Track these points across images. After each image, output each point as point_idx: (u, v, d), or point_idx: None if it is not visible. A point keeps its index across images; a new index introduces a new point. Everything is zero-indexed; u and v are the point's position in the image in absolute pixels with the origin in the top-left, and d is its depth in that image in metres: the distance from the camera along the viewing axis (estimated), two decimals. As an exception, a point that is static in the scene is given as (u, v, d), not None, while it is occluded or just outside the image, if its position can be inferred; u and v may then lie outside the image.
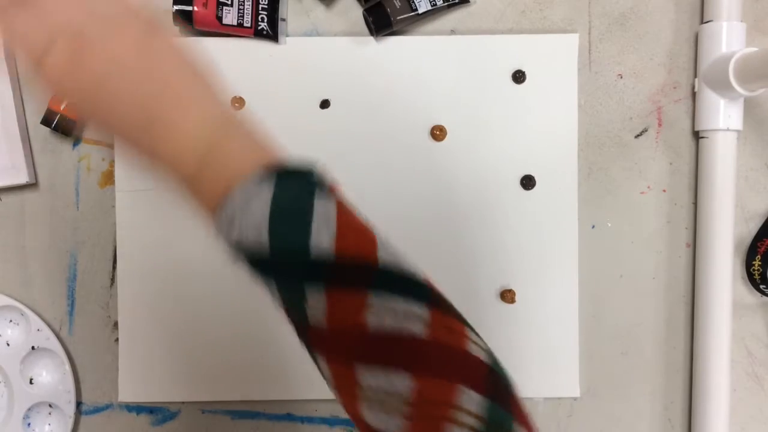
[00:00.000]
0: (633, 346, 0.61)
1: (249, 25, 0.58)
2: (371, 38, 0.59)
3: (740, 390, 0.61)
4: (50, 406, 0.61)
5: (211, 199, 0.34)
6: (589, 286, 0.60)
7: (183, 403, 0.61)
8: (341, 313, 0.33)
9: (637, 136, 0.61)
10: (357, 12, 0.60)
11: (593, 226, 0.61)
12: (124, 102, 0.34)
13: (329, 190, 0.34)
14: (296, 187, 0.33)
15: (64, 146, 0.61)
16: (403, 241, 0.59)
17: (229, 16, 0.58)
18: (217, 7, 0.57)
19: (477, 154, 0.59)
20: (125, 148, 0.36)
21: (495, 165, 0.59)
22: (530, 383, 0.60)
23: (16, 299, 0.60)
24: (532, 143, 0.59)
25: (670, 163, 0.61)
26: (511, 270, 0.59)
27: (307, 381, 0.60)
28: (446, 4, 0.59)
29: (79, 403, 0.61)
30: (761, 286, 0.59)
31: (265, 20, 0.58)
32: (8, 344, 0.60)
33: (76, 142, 0.61)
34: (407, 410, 0.31)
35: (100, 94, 0.34)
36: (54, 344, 0.60)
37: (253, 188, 0.32)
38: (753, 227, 0.61)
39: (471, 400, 0.31)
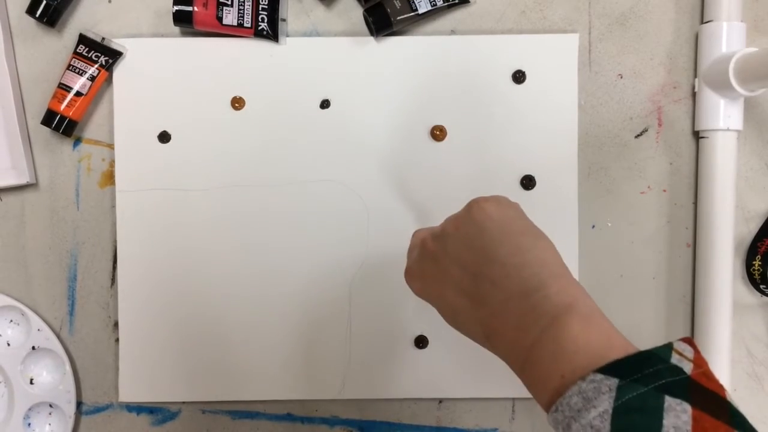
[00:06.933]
0: (633, 346, 0.61)
1: (249, 25, 0.58)
2: (371, 38, 0.59)
3: (740, 390, 0.61)
4: (50, 406, 0.61)
5: (543, 386, 0.32)
6: (589, 286, 0.60)
7: (183, 403, 0.61)
8: None
9: (637, 136, 0.61)
10: (357, 12, 0.60)
11: (593, 226, 0.61)
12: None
13: (687, 387, 0.29)
14: (642, 396, 0.28)
15: (64, 146, 0.61)
16: (403, 242, 0.60)
17: (229, 17, 0.58)
18: (217, 8, 0.57)
19: (477, 154, 0.59)
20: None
21: (495, 165, 0.59)
22: (530, 383, 0.60)
23: (16, 299, 0.60)
24: (532, 143, 0.59)
25: (670, 163, 0.61)
26: (511, 270, 0.59)
27: (307, 381, 0.60)
28: (446, 4, 0.59)
29: (79, 403, 0.61)
30: (761, 286, 0.59)
31: (265, 20, 0.58)
32: (8, 344, 0.61)
33: (76, 142, 0.61)
34: None
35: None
36: (54, 344, 0.60)
37: (591, 393, 0.29)
38: (753, 227, 0.61)
39: None
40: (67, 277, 0.61)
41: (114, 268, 0.61)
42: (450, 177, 0.59)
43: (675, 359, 0.30)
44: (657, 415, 0.28)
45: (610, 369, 0.30)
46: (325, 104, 0.60)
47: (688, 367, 0.30)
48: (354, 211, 0.60)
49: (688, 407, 0.28)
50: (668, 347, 0.31)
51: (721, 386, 0.30)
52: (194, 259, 0.60)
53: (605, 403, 0.29)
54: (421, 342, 0.59)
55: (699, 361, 0.30)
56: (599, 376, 0.30)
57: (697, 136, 0.60)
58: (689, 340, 0.32)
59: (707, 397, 0.29)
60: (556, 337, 0.32)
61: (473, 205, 0.40)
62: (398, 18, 0.58)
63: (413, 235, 0.47)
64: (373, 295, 0.60)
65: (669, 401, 0.28)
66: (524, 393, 0.64)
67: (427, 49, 0.59)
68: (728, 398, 0.29)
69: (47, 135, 0.61)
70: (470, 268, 0.38)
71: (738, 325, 0.60)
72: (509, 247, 0.37)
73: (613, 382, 0.29)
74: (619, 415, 0.28)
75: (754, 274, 0.59)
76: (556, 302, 0.34)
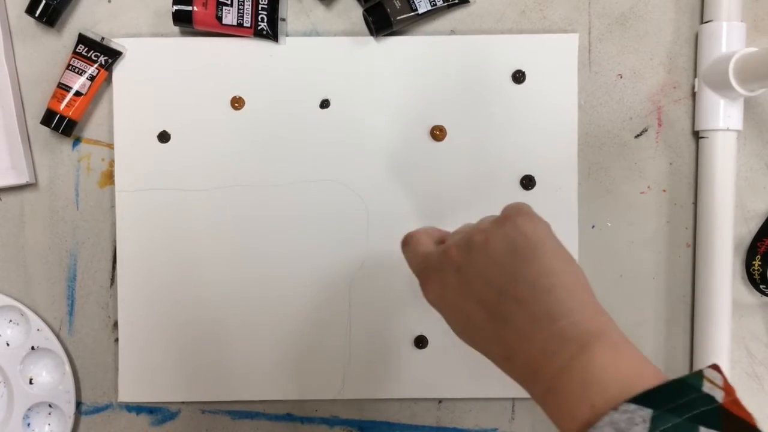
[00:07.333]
0: (633, 346, 0.61)
1: (249, 25, 0.58)
2: (371, 38, 0.59)
3: (740, 390, 0.60)
4: (50, 406, 0.61)
5: (571, 416, 0.31)
6: (589, 286, 0.60)
7: (183, 403, 0.61)
8: None
9: (637, 136, 0.61)
10: (357, 12, 0.60)
11: (593, 226, 0.61)
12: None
13: (719, 416, 0.29)
14: (676, 428, 0.28)
15: (64, 146, 0.61)
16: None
17: (229, 16, 0.58)
18: (217, 7, 0.57)
19: (477, 154, 0.59)
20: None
21: (495, 165, 0.59)
22: (530, 383, 0.60)
23: (16, 299, 0.60)
24: (532, 143, 0.59)
25: (670, 163, 0.61)
26: (511, 270, 0.59)
27: (307, 381, 0.60)
28: (446, 4, 0.59)
29: (79, 403, 0.61)
30: (761, 286, 0.59)
31: (265, 20, 0.58)
32: (8, 344, 0.60)
33: (76, 142, 0.61)
34: None
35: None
36: (54, 344, 0.60)
37: (624, 424, 0.29)
38: (753, 227, 0.61)
39: None
40: (66, 277, 0.61)
41: (113, 268, 0.61)
42: (450, 177, 0.59)
43: (707, 387, 0.30)
44: None
45: (643, 399, 0.29)
46: (325, 104, 0.60)
47: (719, 395, 0.30)
48: (354, 211, 0.59)
49: None
50: (699, 375, 0.30)
51: (749, 414, 0.30)
52: (194, 259, 0.60)
53: None
54: (421, 342, 0.59)
55: (728, 389, 0.30)
56: (632, 407, 0.29)
57: (697, 136, 0.60)
58: (717, 367, 0.31)
59: (739, 426, 0.29)
60: (585, 365, 0.32)
61: (506, 220, 0.39)
62: (398, 18, 0.57)
63: (410, 241, 0.45)
64: (373, 295, 0.60)
65: None
66: (524, 393, 0.64)
67: (427, 49, 0.59)
68: (758, 426, 0.29)
69: (47, 135, 0.61)
70: (496, 284, 0.36)
71: (738, 325, 0.60)
72: (540, 268, 0.36)
73: (647, 412, 0.29)
74: None
75: (754, 274, 0.60)
76: (585, 329, 0.33)
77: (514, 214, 0.39)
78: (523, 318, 0.35)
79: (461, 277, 0.38)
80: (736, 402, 0.30)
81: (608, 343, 0.32)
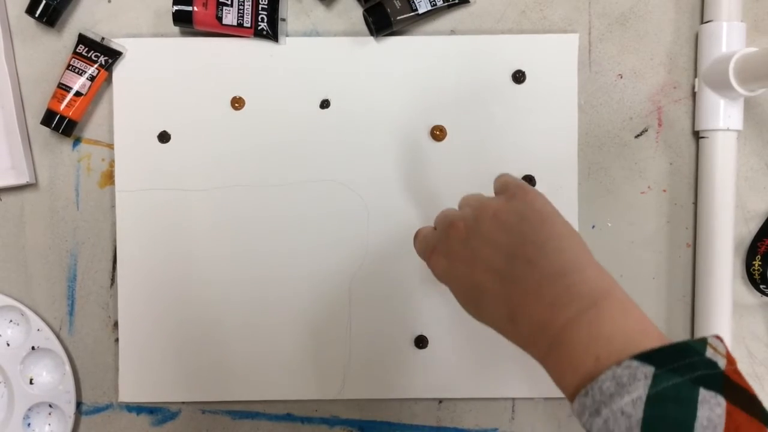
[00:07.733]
0: (633, 346, 0.61)
1: (249, 25, 0.58)
2: (371, 38, 0.59)
3: (740, 390, 0.61)
4: (50, 406, 0.61)
5: (574, 368, 0.32)
6: (589, 286, 0.60)
7: (183, 403, 0.61)
8: None
9: (637, 136, 0.61)
10: (357, 12, 0.60)
11: (593, 226, 0.61)
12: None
13: (721, 381, 0.29)
14: (677, 386, 0.29)
15: (64, 146, 0.61)
16: (403, 243, 0.60)
17: (229, 17, 0.58)
18: (217, 8, 0.57)
19: (477, 154, 0.59)
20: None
21: (495, 165, 0.59)
22: (530, 383, 0.60)
23: (16, 299, 0.60)
24: (532, 143, 0.59)
25: (670, 163, 0.61)
26: (511, 270, 0.59)
27: (307, 381, 0.60)
28: (446, 4, 0.59)
29: (79, 403, 0.61)
30: (761, 286, 0.59)
31: (265, 20, 0.58)
32: (8, 344, 0.61)
33: (76, 142, 0.61)
34: None
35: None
36: (54, 344, 0.60)
37: (626, 379, 0.29)
38: (753, 227, 0.61)
39: None
40: (66, 277, 0.61)
41: (114, 268, 0.61)
42: (450, 177, 0.59)
43: (709, 353, 0.30)
44: (691, 406, 0.28)
45: (646, 357, 0.30)
46: (325, 104, 0.60)
47: (722, 362, 0.30)
48: (354, 211, 0.60)
49: (722, 401, 0.28)
50: (703, 341, 0.31)
51: (750, 385, 0.30)
52: (194, 258, 0.60)
53: (639, 390, 0.29)
54: (421, 342, 0.59)
55: (730, 359, 0.31)
56: (635, 363, 0.30)
57: (697, 136, 0.60)
58: (720, 338, 0.32)
59: (740, 394, 0.29)
60: (594, 318, 0.33)
61: (513, 198, 0.40)
62: (398, 18, 0.57)
63: (417, 233, 0.46)
64: (373, 295, 0.60)
65: (704, 393, 0.29)
66: (524, 393, 0.64)
67: (427, 49, 0.59)
68: (757, 395, 0.30)
69: (47, 135, 0.61)
70: (504, 249, 0.38)
71: (738, 325, 0.60)
72: (548, 233, 0.37)
73: (649, 369, 0.29)
74: (653, 403, 0.28)
75: (754, 274, 0.59)
76: (594, 286, 0.34)
77: (520, 193, 0.40)
78: (533, 276, 0.36)
79: (467, 247, 0.40)
80: (737, 371, 0.30)
81: (616, 301, 0.34)
